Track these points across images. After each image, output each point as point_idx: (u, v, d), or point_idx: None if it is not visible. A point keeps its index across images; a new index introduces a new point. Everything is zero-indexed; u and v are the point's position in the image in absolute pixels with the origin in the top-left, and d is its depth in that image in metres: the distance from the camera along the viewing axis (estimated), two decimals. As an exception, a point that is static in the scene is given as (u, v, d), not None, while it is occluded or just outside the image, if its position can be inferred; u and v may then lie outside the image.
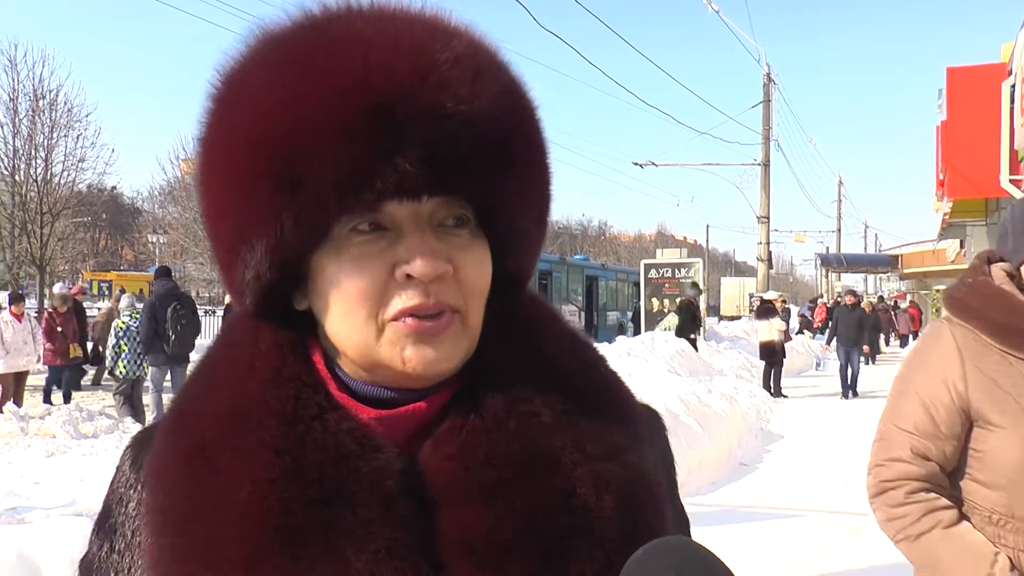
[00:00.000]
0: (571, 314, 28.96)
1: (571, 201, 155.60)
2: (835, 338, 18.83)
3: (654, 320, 25.54)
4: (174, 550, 0.77)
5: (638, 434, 0.91)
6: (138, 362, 11.91)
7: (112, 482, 0.92)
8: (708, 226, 71.53)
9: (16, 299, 14.16)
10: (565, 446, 0.84)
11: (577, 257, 37.83)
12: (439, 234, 0.81)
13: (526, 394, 0.86)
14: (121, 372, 11.99)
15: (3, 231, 25.52)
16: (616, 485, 0.83)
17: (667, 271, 26.45)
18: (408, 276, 0.79)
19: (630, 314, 31.68)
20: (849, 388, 17.88)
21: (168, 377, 11.69)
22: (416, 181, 0.77)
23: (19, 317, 13.60)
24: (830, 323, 20.71)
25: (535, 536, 0.79)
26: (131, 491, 0.88)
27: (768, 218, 30.93)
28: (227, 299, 11.56)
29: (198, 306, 14.13)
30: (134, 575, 0.84)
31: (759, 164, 30.90)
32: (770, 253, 30.56)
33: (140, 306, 12.30)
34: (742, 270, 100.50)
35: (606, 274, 36.13)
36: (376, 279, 0.80)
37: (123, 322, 12.22)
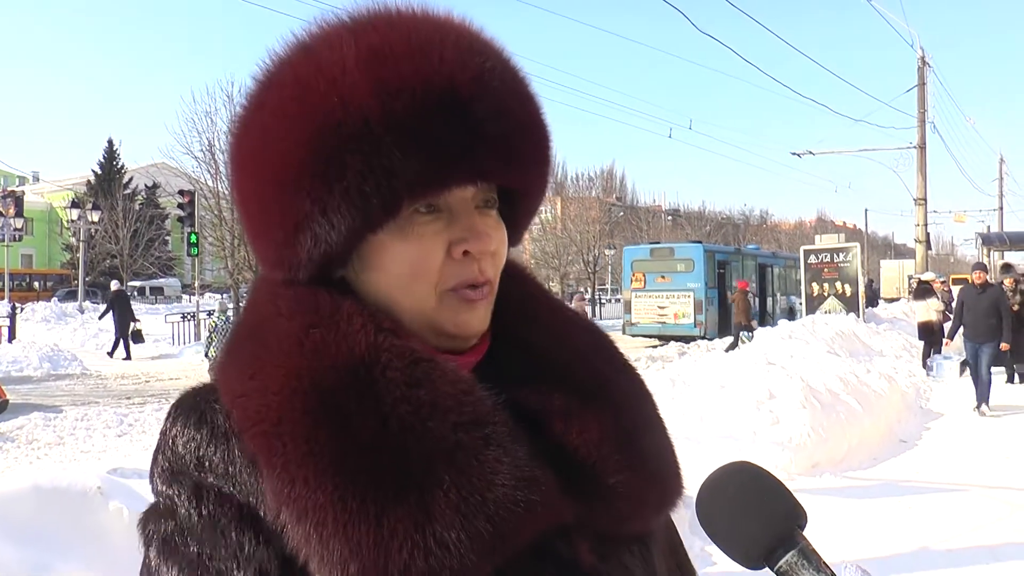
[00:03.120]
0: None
1: (733, 192, 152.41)
2: (961, 330, 13.22)
3: (814, 304, 24.76)
4: (341, 491, 0.75)
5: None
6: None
7: (170, 446, 0.85)
8: (866, 210, 68.62)
9: None
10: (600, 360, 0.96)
11: (750, 247, 37.15)
12: (478, 215, 0.88)
13: (547, 336, 0.94)
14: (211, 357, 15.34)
15: (225, 242, 27.28)
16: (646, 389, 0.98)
17: (826, 256, 25.55)
18: (465, 253, 0.85)
19: (795, 299, 31.19)
20: (981, 401, 11.82)
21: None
22: (485, 172, 0.83)
23: None
24: (954, 309, 14.15)
25: (625, 423, 0.90)
26: (210, 448, 0.83)
27: (925, 200, 29.43)
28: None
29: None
30: (244, 529, 0.79)
31: (915, 147, 29.42)
32: (928, 234, 29.07)
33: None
34: (901, 252, 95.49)
35: (776, 261, 35.34)
36: (436, 256, 0.85)
37: (213, 321, 16.00)
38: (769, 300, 33.01)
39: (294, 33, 0.88)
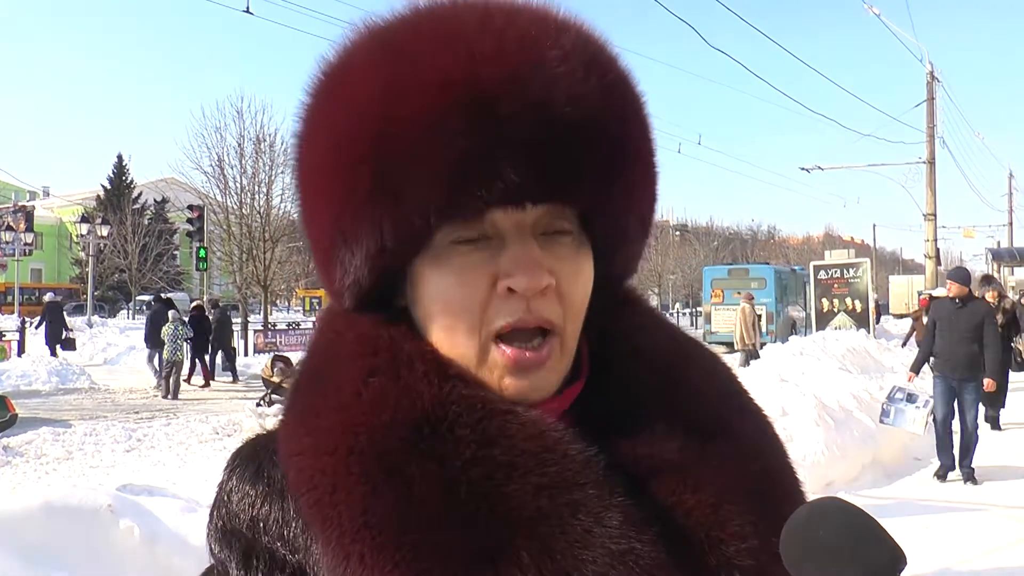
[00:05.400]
0: (798, 313, 31.36)
1: (741, 207, 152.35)
2: (931, 360, 9.17)
3: (825, 320, 24.67)
4: (396, 573, 0.66)
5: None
6: None
7: (226, 503, 0.78)
8: (875, 225, 68.67)
9: None
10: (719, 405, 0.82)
11: (798, 268, 38.68)
12: (542, 243, 0.73)
13: (658, 373, 0.81)
14: None
15: (233, 256, 27.29)
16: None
17: (836, 272, 25.54)
18: (509, 290, 0.72)
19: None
20: (951, 464, 8.71)
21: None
22: (522, 189, 0.69)
23: None
24: (922, 332, 10.76)
25: (750, 480, 0.77)
26: (264, 508, 0.76)
27: (935, 215, 29.29)
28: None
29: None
30: None
31: (924, 162, 29.33)
32: (938, 250, 28.94)
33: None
34: (910, 268, 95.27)
35: None
36: (477, 292, 0.72)
37: (167, 329, 17.32)
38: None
39: (340, 39, 0.79)
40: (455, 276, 0.73)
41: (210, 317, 20.10)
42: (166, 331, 17.49)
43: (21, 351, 22.97)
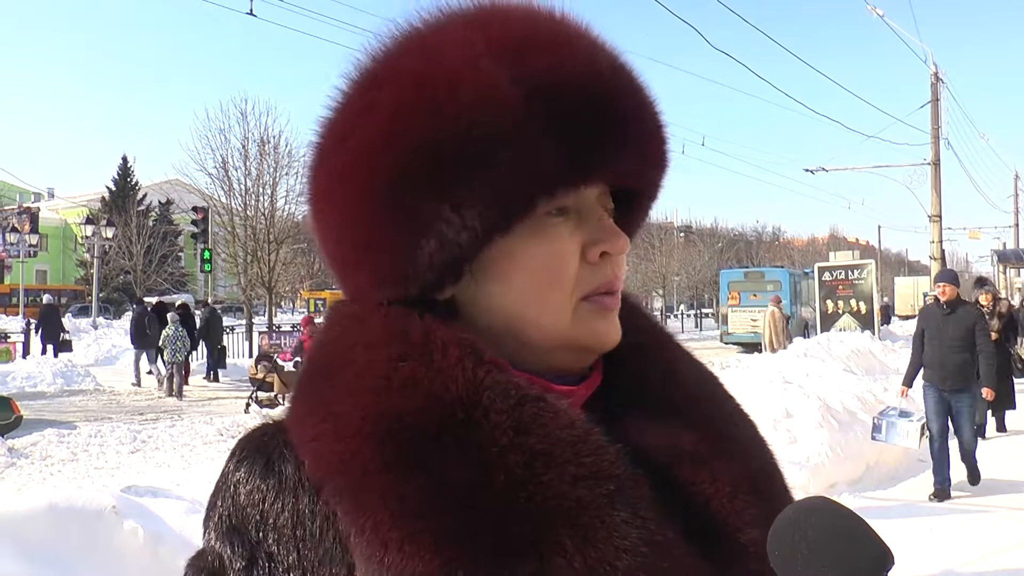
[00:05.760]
0: (810, 314, 31.95)
1: (745, 208, 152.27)
2: (923, 371, 8.44)
3: (829, 322, 24.66)
4: (438, 561, 0.65)
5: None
6: None
7: (232, 494, 0.77)
8: (880, 227, 68.43)
9: None
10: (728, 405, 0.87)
11: (809, 271, 39.85)
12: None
13: (663, 371, 0.85)
14: None
15: (238, 258, 27.33)
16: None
17: (840, 273, 25.55)
18: (603, 254, 0.79)
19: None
20: (947, 482, 7.97)
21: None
22: (627, 171, 0.79)
23: None
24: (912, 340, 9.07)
25: (754, 474, 0.80)
26: (276, 505, 0.74)
27: (940, 217, 29.21)
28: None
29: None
30: None
31: (929, 164, 29.28)
32: (943, 251, 28.86)
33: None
34: (915, 269, 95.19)
35: None
36: (573, 260, 0.78)
37: (167, 331, 17.82)
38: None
39: (397, 30, 0.80)
40: (553, 244, 0.77)
41: (197, 316, 20.25)
42: (167, 333, 17.75)
43: (26, 353, 23.04)
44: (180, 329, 17.94)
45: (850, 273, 25.23)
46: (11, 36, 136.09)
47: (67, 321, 32.64)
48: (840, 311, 24.70)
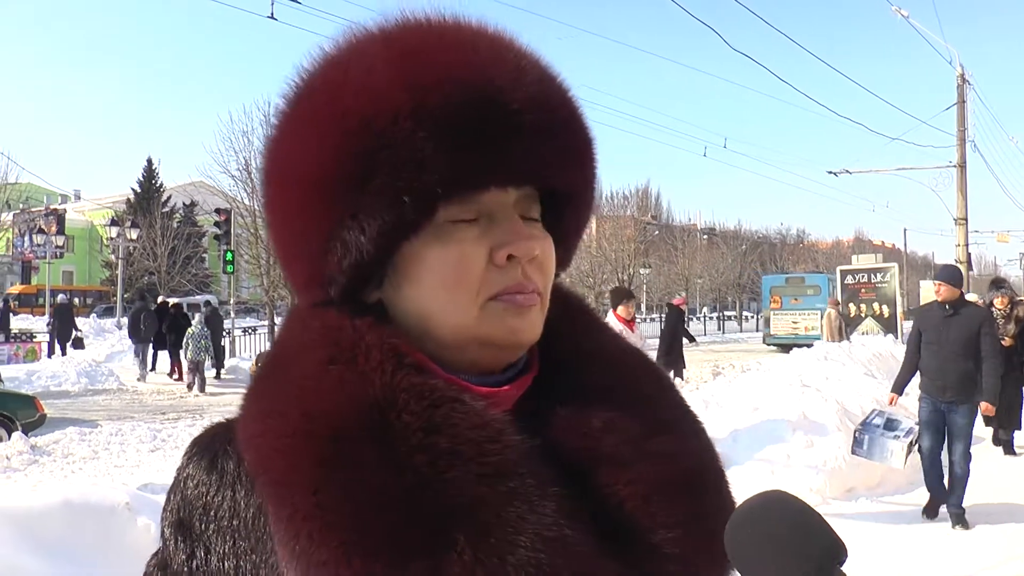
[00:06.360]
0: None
1: (769, 210, 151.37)
2: (919, 379, 7.52)
3: (852, 325, 24.51)
4: (347, 549, 0.69)
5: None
6: None
7: (182, 488, 0.82)
8: (905, 230, 67.66)
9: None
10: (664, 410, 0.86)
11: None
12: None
13: (602, 373, 0.86)
14: None
15: (261, 260, 27.49)
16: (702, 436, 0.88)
17: (863, 276, 25.40)
18: (509, 257, 0.79)
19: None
20: (943, 499, 7.36)
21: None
22: (524, 171, 0.78)
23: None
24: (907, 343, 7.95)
25: (681, 476, 0.81)
26: (217, 497, 0.80)
27: (966, 220, 28.93)
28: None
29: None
30: None
31: (954, 166, 29.02)
32: (969, 255, 28.59)
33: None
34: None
35: None
36: (478, 262, 0.79)
37: (192, 329, 18.63)
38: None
39: (321, 48, 0.85)
40: (456, 248, 0.79)
41: (195, 317, 20.64)
42: (191, 332, 18.39)
43: (51, 352, 23.32)
44: (204, 328, 18.27)
45: (873, 276, 25.08)
46: (37, 39, 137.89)
47: (91, 321, 33.11)
48: (863, 314, 24.56)
